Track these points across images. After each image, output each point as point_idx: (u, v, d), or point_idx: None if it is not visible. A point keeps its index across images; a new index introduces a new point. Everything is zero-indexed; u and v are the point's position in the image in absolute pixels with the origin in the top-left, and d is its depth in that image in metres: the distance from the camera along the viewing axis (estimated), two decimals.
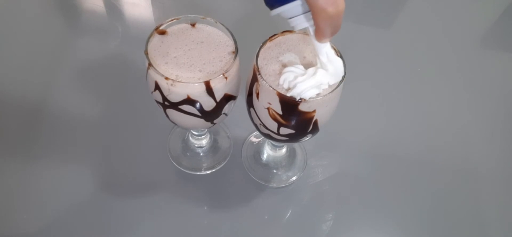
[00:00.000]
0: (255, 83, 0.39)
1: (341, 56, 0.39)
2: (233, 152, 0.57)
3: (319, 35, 0.33)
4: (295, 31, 0.41)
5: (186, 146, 0.57)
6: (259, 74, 0.38)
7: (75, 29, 0.73)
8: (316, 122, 0.39)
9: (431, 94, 0.68)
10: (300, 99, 0.36)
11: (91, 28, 0.73)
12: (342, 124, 0.56)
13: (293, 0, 0.31)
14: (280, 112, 0.38)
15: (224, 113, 0.43)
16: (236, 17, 0.76)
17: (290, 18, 0.33)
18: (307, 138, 0.43)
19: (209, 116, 0.41)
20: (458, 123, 0.64)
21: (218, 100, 0.40)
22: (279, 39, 0.41)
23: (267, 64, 0.39)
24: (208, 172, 0.54)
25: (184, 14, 0.42)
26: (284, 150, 0.57)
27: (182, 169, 0.54)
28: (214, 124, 0.45)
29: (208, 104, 0.40)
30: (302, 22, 0.33)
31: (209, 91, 0.38)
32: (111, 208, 0.50)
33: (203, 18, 0.42)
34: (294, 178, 0.55)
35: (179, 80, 0.37)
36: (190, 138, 0.57)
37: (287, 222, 0.51)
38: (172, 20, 0.41)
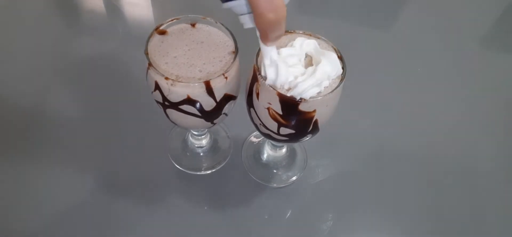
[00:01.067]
0: (255, 83, 0.39)
1: (341, 56, 0.40)
2: (233, 152, 0.57)
3: (262, 38, 0.34)
4: (295, 31, 0.41)
5: (186, 146, 0.57)
6: (259, 74, 0.38)
7: (75, 29, 0.73)
8: (316, 122, 0.39)
9: (431, 94, 0.68)
10: (300, 99, 0.36)
11: (91, 28, 0.73)
12: (342, 124, 0.56)
13: None
14: (280, 112, 0.38)
15: (224, 113, 0.43)
16: (236, 17, 0.76)
17: (239, 15, 0.33)
18: (307, 138, 0.43)
19: (209, 116, 0.41)
20: (458, 123, 0.64)
21: (218, 100, 0.40)
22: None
23: None
24: (208, 172, 0.54)
25: (184, 14, 0.42)
26: (284, 150, 0.57)
27: (182, 169, 0.54)
28: (214, 124, 0.45)
29: (208, 104, 0.40)
30: (248, 22, 0.33)
31: (209, 91, 0.38)
32: (111, 207, 0.50)
33: (203, 18, 0.42)
34: (294, 178, 0.55)
35: (179, 80, 0.37)
36: (190, 138, 0.57)
37: (287, 222, 0.51)
38: (172, 20, 0.41)
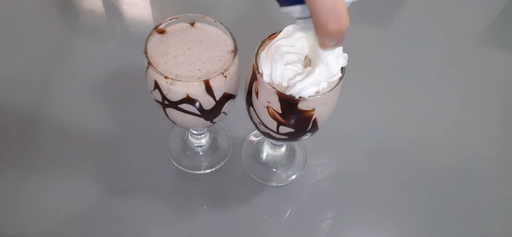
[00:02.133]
0: (255, 82, 0.39)
1: None
2: (232, 151, 0.57)
3: (321, 45, 0.33)
4: None
5: (186, 145, 0.57)
6: (259, 72, 0.38)
7: (74, 29, 0.73)
8: (315, 120, 0.40)
9: (430, 93, 0.68)
10: (299, 97, 0.36)
11: (90, 28, 0.73)
12: (341, 123, 0.56)
13: (298, 3, 0.30)
14: (280, 111, 0.38)
15: (223, 112, 0.43)
16: (235, 16, 0.76)
17: (298, 19, 0.33)
18: (307, 137, 0.44)
19: (209, 115, 0.42)
20: (457, 122, 0.64)
21: (217, 99, 0.40)
22: None
23: None
24: (208, 171, 0.54)
25: (183, 13, 0.42)
26: (283, 149, 0.57)
27: (182, 168, 0.54)
28: (214, 123, 0.45)
29: (208, 103, 0.40)
30: (307, 26, 0.32)
31: (209, 90, 0.38)
32: (110, 207, 0.50)
33: (203, 17, 0.42)
34: (293, 177, 0.55)
35: (179, 79, 0.37)
36: (190, 137, 0.57)
37: (287, 221, 0.51)
38: (171, 19, 0.41)
